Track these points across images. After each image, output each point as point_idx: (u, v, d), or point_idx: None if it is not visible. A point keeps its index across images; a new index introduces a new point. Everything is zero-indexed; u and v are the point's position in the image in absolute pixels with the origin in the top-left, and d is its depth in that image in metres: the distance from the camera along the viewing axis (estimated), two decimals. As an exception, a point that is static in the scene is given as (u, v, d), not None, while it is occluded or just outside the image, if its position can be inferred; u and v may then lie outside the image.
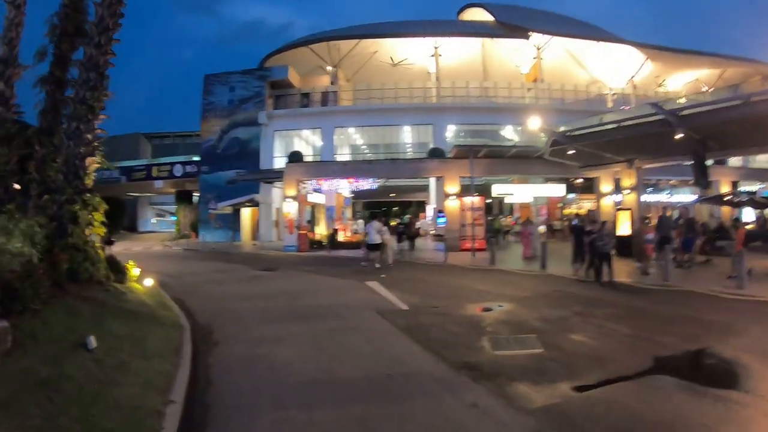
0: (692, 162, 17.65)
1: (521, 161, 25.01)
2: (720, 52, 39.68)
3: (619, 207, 23.00)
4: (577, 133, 19.15)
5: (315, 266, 19.59)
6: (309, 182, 27.58)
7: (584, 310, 10.07)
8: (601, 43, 38.49)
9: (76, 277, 9.31)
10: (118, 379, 5.70)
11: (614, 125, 17.92)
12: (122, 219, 64.38)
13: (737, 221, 18.06)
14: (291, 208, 26.42)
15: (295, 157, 27.86)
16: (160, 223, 68.17)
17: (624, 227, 20.79)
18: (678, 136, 15.87)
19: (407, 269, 18.18)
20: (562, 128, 19.65)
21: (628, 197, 22.60)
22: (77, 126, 10.23)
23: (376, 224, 19.18)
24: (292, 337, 8.26)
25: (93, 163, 10.54)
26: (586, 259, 14.50)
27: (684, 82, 42.82)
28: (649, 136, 17.47)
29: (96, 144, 10.59)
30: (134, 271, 11.93)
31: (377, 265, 18.19)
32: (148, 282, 12.10)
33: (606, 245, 13.48)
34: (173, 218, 52.83)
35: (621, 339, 7.91)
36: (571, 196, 34.55)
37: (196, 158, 42.45)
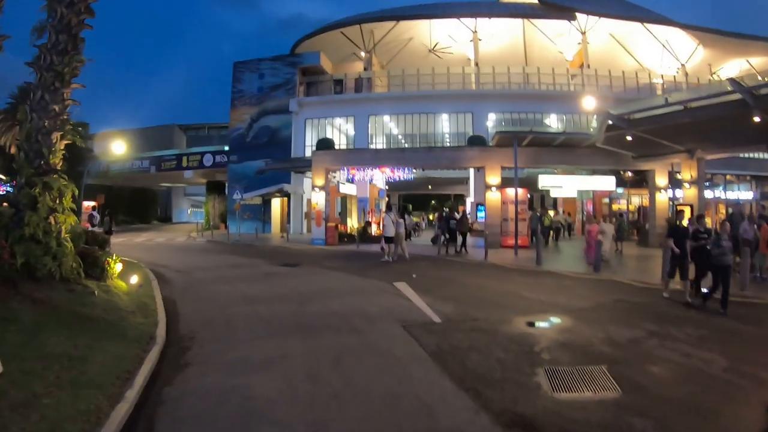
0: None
1: (568, 151, 22.61)
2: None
3: (677, 203, 20.56)
4: (637, 115, 16.78)
5: (341, 262, 17.71)
6: (341, 172, 25.77)
7: (659, 329, 7.91)
8: (651, 27, 35.31)
9: (33, 273, 7.66)
10: (10, 424, 3.91)
11: (680, 107, 15.60)
12: (155, 209, 64.38)
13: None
14: (319, 199, 24.62)
15: (323, 145, 26.05)
16: (195, 214, 67.97)
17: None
18: (756, 119, 13.59)
19: (442, 268, 16.08)
20: (619, 110, 17.32)
21: (689, 192, 20.22)
22: (42, 96, 8.50)
23: (393, 215, 18.16)
24: (287, 361, 6.32)
25: (60, 138, 8.76)
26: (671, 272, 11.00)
27: (737, 70, 39.13)
28: (719, 121, 15.15)
29: (65, 117, 8.84)
30: (116, 267, 10.22)
31: (390, 259, 17.49)
32: (134, 279, 10.38)
33: (725, 254, 9.49)
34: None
35: (718, 376, 5.82)
36: (620, 190, 31.80)
37: (227, 148, 41.14)
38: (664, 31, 35.72)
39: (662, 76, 36.55)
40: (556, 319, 8.55)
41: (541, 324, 8.23)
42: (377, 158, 25.08)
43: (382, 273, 14.53)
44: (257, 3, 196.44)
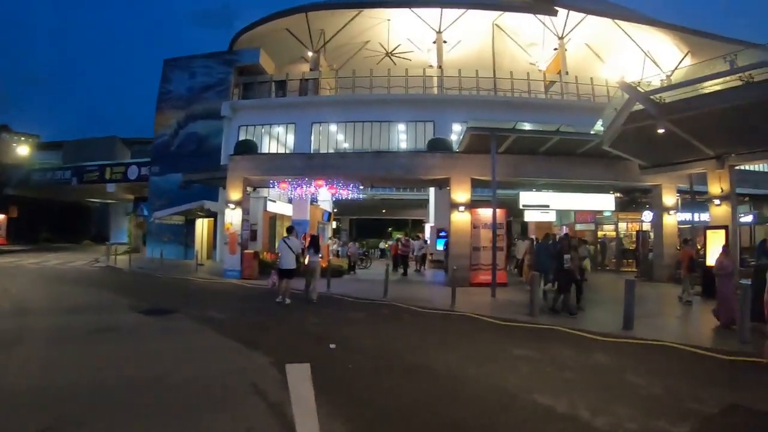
0: None
1: (560, 159, 17.78)
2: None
3: (707, 226, 15.94)
4: (676, 95, 12.19)
5: (234, 309, 12.09)
6: (269, 186, 20.09)
7: None
8: (634, 33, 31.09)
9: None
10: None
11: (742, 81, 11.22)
12: (87, 227, 57.34)
13: (686, 242, 15.56)
14: (234, 218, 18.92)
15: (242, 148, 20.33)
16: (138, 234, 61.10)
17: (714, 255, 13.38)
18: None
19: (384, 326, 10.43)
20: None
21: (717, 210, 15.65)
22: None
23: (294, 241, 13.24)
24: None
25: None
26: None
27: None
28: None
29: None
30: None
31: (287, 301, 12.49)
32: None
33: None
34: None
35: None
36: (607, 213, 27.02)
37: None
38: (647, 39, 31.70)
39: (650, 83, 32.25)
40: None
41: None
42: (311, 166, 19.30)
43: (281, 337, 8.92)
44: (231, 23, 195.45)
